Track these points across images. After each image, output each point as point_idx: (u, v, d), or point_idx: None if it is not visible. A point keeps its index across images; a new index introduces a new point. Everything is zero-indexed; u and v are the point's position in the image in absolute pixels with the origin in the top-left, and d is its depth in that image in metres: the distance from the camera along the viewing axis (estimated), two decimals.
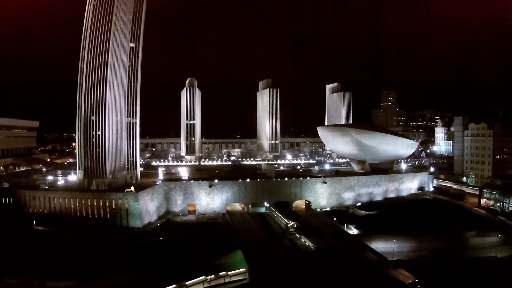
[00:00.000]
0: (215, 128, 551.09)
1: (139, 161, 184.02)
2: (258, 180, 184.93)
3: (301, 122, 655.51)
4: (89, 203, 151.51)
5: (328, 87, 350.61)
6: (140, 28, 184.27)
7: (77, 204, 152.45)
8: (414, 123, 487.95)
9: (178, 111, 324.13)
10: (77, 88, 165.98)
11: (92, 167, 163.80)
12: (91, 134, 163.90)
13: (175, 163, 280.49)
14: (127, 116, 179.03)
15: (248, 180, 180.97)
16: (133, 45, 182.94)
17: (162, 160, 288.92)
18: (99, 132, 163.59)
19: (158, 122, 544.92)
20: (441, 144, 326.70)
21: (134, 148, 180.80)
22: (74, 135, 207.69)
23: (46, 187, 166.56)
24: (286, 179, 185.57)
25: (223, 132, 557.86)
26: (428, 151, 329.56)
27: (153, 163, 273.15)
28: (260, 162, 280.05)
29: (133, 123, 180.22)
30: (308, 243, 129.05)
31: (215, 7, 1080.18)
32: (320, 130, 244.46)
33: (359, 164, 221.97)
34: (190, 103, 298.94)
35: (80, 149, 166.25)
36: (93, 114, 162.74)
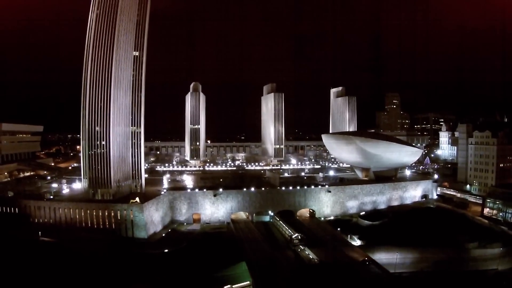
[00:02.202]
0: (219, 129, 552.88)
1: (144, 170, 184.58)
2: (263, 189, 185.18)
3: (305, 122, 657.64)
4: (94, 214, 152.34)
5: (333, 91, 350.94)
6: (144, 36, 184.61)
7: (82, 215, 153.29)
8: (418, 126, 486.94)
9: (182, 111, 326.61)
10: (81, 99, 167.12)
11: (97, 177, 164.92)
12: (95, 145, 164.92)
13: (180, 168, 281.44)
14: (131, 126, 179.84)
15: (252, 189, 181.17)
16: (137, 53, 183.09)
17: (166, 164, 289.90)
18: (103, 142, 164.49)
19: (161, 123, 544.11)
20: (445, 148, 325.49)
21: (139, 157, 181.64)
22: (78, 135, 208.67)
23: (51, 196, 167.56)
24: (291, 188, 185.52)
25: (227, 132, 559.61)
26: (432, 155, 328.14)
27: (158, 168, 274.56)
28: (264, 168, 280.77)
29: (137, 132, 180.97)
30: (311, 255, 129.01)
31: (218, 8, 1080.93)
32: (324, 138, 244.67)
33: (363, 171, 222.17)
34: (195, 108, 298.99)
35: (85, 159, 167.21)
36: (97, 125, 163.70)
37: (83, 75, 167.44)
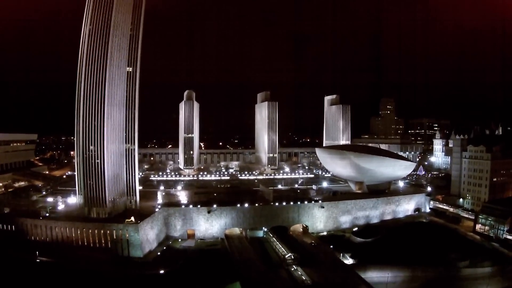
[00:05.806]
0: (214, 129, 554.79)
1: (138, 187, 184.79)
2: (256, 205, 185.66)
3: (301, 124, 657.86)
4: (90, 233, 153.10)
5: (327, 98, 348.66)
6: (138, 51, 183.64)
7: (78, 233, 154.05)
8: (412, 131, 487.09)
9: (176, 112, 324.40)
10: (75, 119, 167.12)
11: (92, 195, 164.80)
12: (89, 163, 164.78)
13: (174, 177, 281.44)
14: (126, 143, 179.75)
15: (246, 205, 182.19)
16: (131, 69, 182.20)
17: (160, 173, 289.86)
18: (97, 161, 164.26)
19: (157, 125, 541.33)
20: (439, 156, 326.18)
21: (133, 174, 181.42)
22: (72, 138, 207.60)
23: (47, 214, 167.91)
24: (284, 203, 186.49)
25: (223, 131, 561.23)
26: (426, 163, 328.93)
27: (152, 177, 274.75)
28: (258, 177, 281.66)
29: (131, 149, 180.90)
30: (304, 276, 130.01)
31: (214, 9, 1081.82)
32: (318, 152, 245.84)
33: (356, 184, 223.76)
34: (188, 117, 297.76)
35: (79, 177, 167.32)
36: (91, 144, 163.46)
37: (76, 92, 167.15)
